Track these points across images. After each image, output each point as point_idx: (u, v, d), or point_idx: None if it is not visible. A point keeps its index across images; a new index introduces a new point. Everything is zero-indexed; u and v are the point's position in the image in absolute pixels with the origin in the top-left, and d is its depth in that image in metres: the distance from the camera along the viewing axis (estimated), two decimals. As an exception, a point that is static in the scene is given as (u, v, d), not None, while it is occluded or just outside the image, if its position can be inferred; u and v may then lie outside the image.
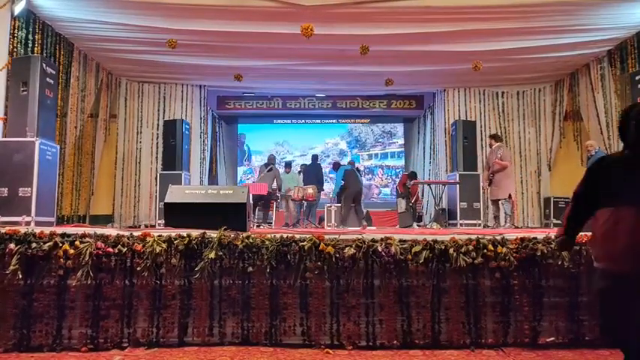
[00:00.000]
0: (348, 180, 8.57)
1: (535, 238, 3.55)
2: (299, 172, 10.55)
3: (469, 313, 3.43)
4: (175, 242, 3.42)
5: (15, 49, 6.45)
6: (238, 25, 7.16)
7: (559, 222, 6.32)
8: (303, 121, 13.77)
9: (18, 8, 6.37)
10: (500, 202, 7.69)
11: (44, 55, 6.98)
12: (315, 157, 10.40)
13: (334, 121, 13.81)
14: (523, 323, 3.43)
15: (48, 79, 5.87)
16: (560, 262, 3.43)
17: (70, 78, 8.04)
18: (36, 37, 6.92)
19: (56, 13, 6.97)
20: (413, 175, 9.87)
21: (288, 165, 10.24)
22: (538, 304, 3.46)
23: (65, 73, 7.86)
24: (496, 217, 7.89)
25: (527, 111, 10.34)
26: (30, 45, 6.77)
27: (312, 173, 9.87)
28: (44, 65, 5.80)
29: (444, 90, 10.46)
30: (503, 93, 10.38)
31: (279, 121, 13.71)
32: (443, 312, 3.42)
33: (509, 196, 7.59)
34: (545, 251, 3.46)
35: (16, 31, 6.50)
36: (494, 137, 8.17)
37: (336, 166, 9.69)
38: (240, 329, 3.37)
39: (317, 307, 3.40)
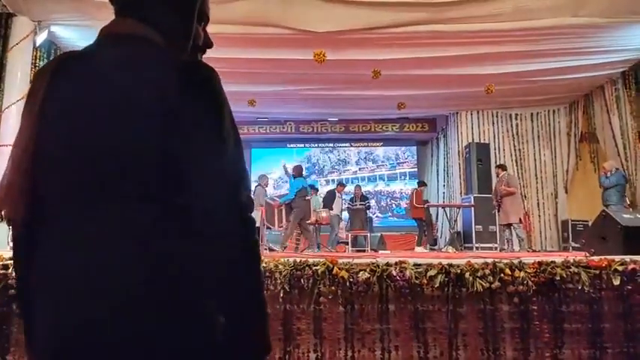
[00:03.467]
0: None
1: (553, 262, 3.48)
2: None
3: (487, 339, 3.34)
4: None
5: (36, 78, 6.65)
6: (252, 52, 7.30)
7: (577, 245, 6.15)
8: (317, 145, 13.86)
9: (40, 39, 6.60)
10: (512, 226, 8.00)
11: (64, 83, 7.18)
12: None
13: (347, 144, 13.87)
14: (544, 350, 3.33)
15: (67, 107, 6.02)
16: (580, 287, 3.35)
17: (89, 105, 8.23)
18: (56, 66, 7.13)
19: (75, 43, 7.19)
20: (422, 184, 10.03)
21: (311, 187, 10.20)
22: (559, 330, 3.36)
23: (84, 101, 8.05)
24: (508, 241, 8.05)
25: (542, 133, 10.27)
26: (50, 74, 6.98)
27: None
28: (64, 93, 5.97)
29: (457, 113, 10.47)
30: (516, 115, 10.34)
31: (292, 145, 13.82)
32: (460, 338, 3.34)
33: (520, 220, 7.96)
34: (565, 275, 3.37)
35: (37, 60, 6.72)
36: (501, 167, 8.65)
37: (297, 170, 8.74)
38: (253, 355, 3.32)
39: (331, 333, 3.34)
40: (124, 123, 0.85)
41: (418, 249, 8.90)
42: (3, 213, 0.89)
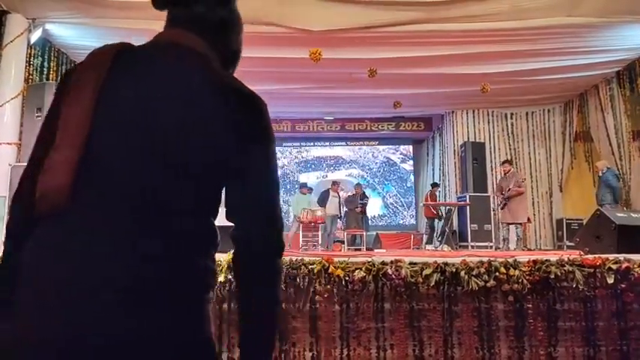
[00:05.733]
0: None
1: (548, 261, 3.49)
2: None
3: (482, 337, 3.36)
4: (184, 265, 3.41)
5: (31, 77, 6.61)
6: (248, 50, 7.22)
7: (572, 244, 6.19)
8: (312, 144, 13.85)
9: (34, 37, 6.56)
10: (515, 225, 7.86)
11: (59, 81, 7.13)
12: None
13: (343, 143, 13.88)
14: (538, 348, 3.35)
15: (62, 105, 5.99)
16: (574, 286, 3.37)
17: (84, 103, 8.19)
18: (51, 64, 7.10)
19: (70, 41, 7.15)
20: (436, 185, 10.11)
21: (304, 186, 10.15)
22: (553, 328, 3.37)
23: (78, 99, 8.02)
24: (504, 240, 7.96)
25: (537, 132, 10.32)
26: (45, 72, 6.94)
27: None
28: (58, 91, 5.93)
29: (452, 112, 10.49)
30: (512, 114, 10.38)
31: (287, 144, 13.80)
32: (455, 336, 3.35)
33: (528, 219, 7.87)
34: (559, 274, 3.39)
35: (32, 58, 6.68)
36: (509, 162, 8.40)
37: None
38: (249, 354, 3.32)
39: (327, 332, 3.35)
40: (185, 143, 0.86)
41: (429, 247, 9.00)
42: (45, 184, 0.82)
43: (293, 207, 9.77)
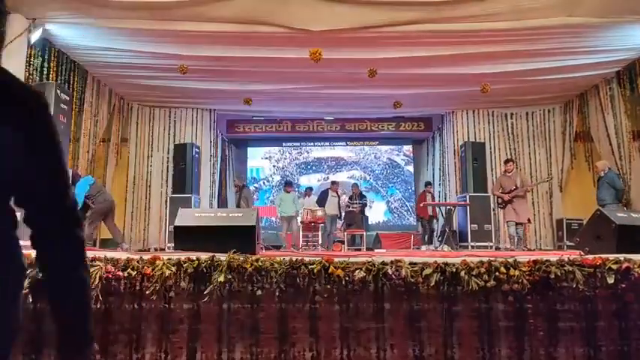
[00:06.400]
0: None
1: (548, 261, 3.49)
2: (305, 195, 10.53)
3: (482, 338, 3.35)
4: (185, 265, 3.41)
5: (31, 77, 6.61)
6: (248, 50, 7.29)
7: (572, 244, 6.18)
8: (312, 143, 13.85)
9: (34, 37, 6.55)
10: (517, 225, 7.78)
11: (59, 81, 7.13)
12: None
13: (343, 143, 13.87)
14: (538, 348, 3.34)
15: (62, 105, 6.01)
16: (574, 286, 3.36)
17: (84, 103, 8.19)
18: (51, 64, 7.09)
19: (71, 42, 7.15)
20: (429, 184, 10.10)
21: (288, 184, 10.08)
22: (553, 328, 3.37)
23: (79, 99, 8.01)
24: (512, 238, 7.86)
25: (537, 132, 10.32)
26: (45, 72, 6.93)
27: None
28: (58, 92, 5.95)
29: (453, 112, 10.49)
30: (512, 114, 10.37)
31: (287, 144, 13.79)
32: (455, 337, 3.35)
33: (529, 220, 7.86)
34: (559, 274, 3.39)
35: (32, 59, 6.67)
36: (512, 161, 8.36)
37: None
38: (249, 354, 3.32)
39: (326, 332, 3.35)
40: None
41: (424, 247, 8.96)
42: None
43: (278, 205, 9.68)
